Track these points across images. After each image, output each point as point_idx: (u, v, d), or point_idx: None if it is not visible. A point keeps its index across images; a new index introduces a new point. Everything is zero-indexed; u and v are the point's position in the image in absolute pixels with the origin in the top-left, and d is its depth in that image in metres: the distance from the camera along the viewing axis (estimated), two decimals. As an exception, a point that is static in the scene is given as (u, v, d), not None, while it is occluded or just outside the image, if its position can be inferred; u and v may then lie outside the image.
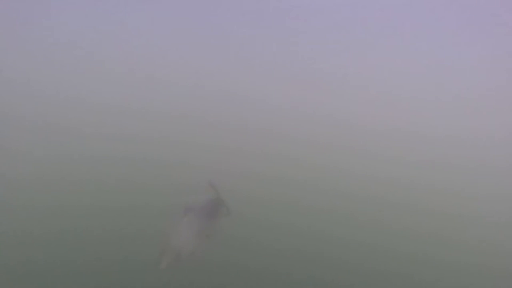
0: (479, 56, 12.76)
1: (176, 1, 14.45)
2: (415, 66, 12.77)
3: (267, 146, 9.19)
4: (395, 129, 10.27)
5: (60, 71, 10.90)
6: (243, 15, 13.91)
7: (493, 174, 9.16)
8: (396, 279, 5.82)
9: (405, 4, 14.64)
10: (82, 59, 11.46)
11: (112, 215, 6.65)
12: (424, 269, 6.06)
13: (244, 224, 6.28)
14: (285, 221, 6.97)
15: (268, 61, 12.57)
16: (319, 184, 7.84)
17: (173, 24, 13.37)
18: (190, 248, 4.66)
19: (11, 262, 5.58)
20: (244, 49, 12.89)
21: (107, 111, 10.03)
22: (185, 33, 13.20)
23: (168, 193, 7.74)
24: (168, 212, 6.07)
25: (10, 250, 5.72)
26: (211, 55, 12.54)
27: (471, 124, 10.76)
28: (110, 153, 9.04)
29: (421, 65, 12.76)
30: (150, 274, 5.46)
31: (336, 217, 6.92)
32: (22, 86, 10.07)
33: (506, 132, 10.57)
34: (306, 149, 9.27)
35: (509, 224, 7.63)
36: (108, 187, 7.84)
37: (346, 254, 5.97)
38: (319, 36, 13.44)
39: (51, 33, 11.79)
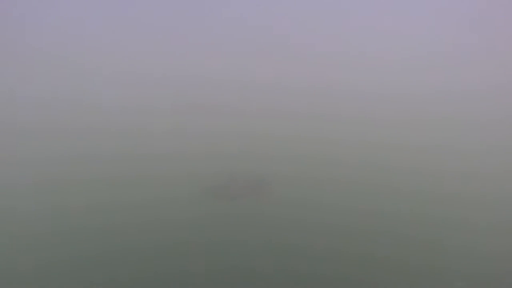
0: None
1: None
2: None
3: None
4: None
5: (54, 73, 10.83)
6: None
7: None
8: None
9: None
10: (78, 60, 11.41)
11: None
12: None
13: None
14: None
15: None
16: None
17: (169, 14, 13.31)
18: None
19: (13, 262, 5.57)
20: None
21: (108, 109, 9.98)
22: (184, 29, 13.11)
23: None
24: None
25: (11, 251, 5.70)
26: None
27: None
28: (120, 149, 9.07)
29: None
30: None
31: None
32: (17, 89, 10.05)
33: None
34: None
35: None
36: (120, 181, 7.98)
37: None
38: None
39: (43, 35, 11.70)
